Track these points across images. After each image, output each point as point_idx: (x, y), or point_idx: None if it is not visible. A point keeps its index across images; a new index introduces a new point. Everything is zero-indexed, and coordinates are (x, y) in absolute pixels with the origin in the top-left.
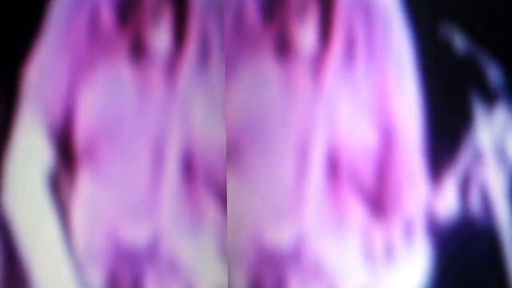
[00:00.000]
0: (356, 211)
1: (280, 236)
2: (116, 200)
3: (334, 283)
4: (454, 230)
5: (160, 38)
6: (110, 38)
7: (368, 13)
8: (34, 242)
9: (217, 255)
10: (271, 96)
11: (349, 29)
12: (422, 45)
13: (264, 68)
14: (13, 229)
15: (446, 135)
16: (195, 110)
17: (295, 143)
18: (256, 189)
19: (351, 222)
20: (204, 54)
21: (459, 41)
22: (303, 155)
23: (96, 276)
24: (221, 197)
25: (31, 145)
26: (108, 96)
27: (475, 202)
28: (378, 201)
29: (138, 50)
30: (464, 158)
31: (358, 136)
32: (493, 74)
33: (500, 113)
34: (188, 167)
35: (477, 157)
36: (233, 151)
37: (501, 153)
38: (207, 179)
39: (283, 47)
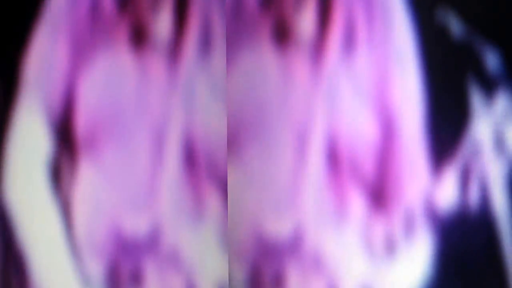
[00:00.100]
0: (356, 202)
1: (280, 228)
2: (116, 190)
3: (333, 275)
4: (455, 222)
5: (161, 24)
6: (110, 24)
7: None
8: (34, 232)
9: (218, 246)
10: (270, 84)
11: (349, 15)
12: (423, 32)
13: (263, 55)
14: (13, 219)
15: (446, 124)
16: (196, 98)
17: (295, 133)
18: (256, 179)
19: (351, 214)
20: (205, 40)
21: (458, 28)
22: (302, 145)
23: (96, 267)
24: (222, 187)
25: (31, 134)
26: (108, 84)
27: (475, 194)
28: (379, 192)
29: (138, 37)
30: (464, 148)
31: (358, 125)
32: (493, 62)
33: (500, 101)
34: (190, 156)
35: (477, 147)
36: (234, 140)
37: (500, 143)
38: (208, 168)
39: (282, 34)
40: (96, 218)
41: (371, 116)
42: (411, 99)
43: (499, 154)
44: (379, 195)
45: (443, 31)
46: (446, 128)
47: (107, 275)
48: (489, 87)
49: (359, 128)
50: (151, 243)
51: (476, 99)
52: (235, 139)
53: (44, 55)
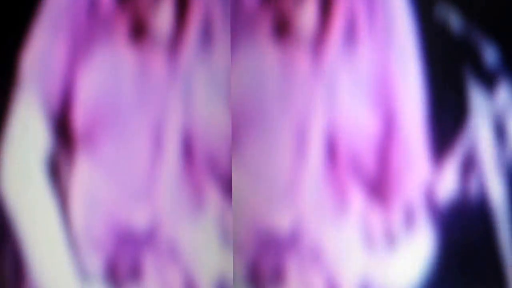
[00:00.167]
0: (355, 196)
1: (280, 222)
2: (115, 185)
3: (333, 269)
4: (455, 214)
5: (161, 18)
6: (109, 18)
7: None
8: (32, 226)
9: (218, 240)
10: (271, 78)
11: (350, 10)
12: (423, 26)
13: (264, 50)
14: (11, 214)
15: (446, 117)
16: (196, 93)
17: (295, 127)
18: (257, 173)
19: (350, 208)
20: (206, 35)
21: (457, 22)
22: (303, 139)
23: (95, 261)
24: (225, 182)
25: (29, 129)
26: (107, 78)
27: (475, 185)
28: (378, 185)
29: (138, 31)
30: (464, 140)
31: (358, 119)
32: (492, 56)
33: (499, 93)
34: (189, 150)
35: (477, 139)
36: (236, 134)
37: (500, 134)
38: (209, 163)
39: (283, 29)
40: (95, 212)
41: (371, 110)
42: (412, 92)
43: (499, 146)
44: (379, 188)
45: (443, 25)
46: (446, 121)
47: (106, 269)
48: (488, 80)
49: (359, 122)
50: (150, 237)
51: (475, 92)
52: (237, 134)
53: (43, 50)
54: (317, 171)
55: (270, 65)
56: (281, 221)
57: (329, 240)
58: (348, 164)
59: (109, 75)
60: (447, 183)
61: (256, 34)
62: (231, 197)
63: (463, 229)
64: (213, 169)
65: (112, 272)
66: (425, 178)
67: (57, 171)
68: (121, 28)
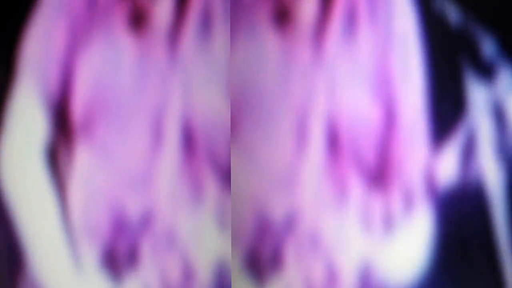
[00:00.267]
0: (355, 181)
1: (279, 208)
2: (113, 173)
3: (332, 255)
4: (454, 199)
5: (161, 6)
6: (109, 6)
7: None
8: (30, 215)
9: (216, 227)
10: (271, 67)
11: None
12: (423, 15)
13: (264, 39)
14: (9, 203)
15: (446, 104)
16: (196, 82)
17: (296, 115)
18: (257, 161)
19: (350, 193)
20: (206, 24)
21: (456, 13)
22: (303, 127)
23: (93, 248)
24: (224, 170)
25: (28, 117)
26: (106, 67)
27: (474, 170)
28: (378, 170)
29: (138, 19)
30: (463, 126)
31: (358, 106)
32: (489, 43)
33: (498, 80)
34: (188, 140)
35: (476, 125)
36: (236, 123)
37: (500, 121)
38: (208, 151)
39: (283, 17)
40: (93, 200)
41: (371, 98)
42: (411, 80)
43: (498, 132)
44: (379, 174)
45: (443, 15)
46: (446, 108)
47: (104, 257)
48: (487, 67)
49: (360, 110)
50: (149, 225)
51: (474, 80)
52: (237, 122)
53: (42, 39)
54: (317, 158)
55: (270, 54)
56: (280, 207)
57: (328, 225)
58: (348, 151)
59: (109, 64)
60: (447, 169)
61: (256, 23)
62: (230, 184)
63: (462, 214)
64: (212, 157)
65: (111, 260)
66: (424, 164)
67: (56, 160)
68: (121, 17)
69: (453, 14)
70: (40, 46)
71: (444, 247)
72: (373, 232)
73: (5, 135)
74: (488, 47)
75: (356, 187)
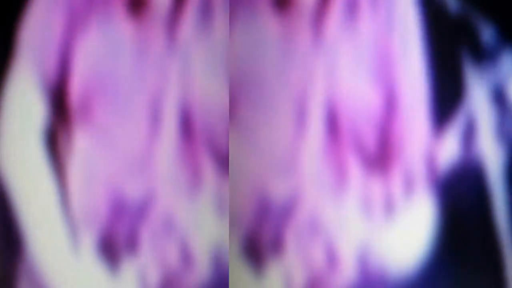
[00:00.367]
0: (355, 164)
1: (279, 192)
2: (112, 156)
3: (332, 239)
4: (455, 181)
5: None
6: None
7: None
8: (29, 198)
9: (215, 211)
10: (271, 51)
11: None
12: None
13: (264, 23)
14: (7, 186)
15: (447, 88)
16: (195, 66)
17: (295, 99)
18: (256, 145)
19: (350, 177)
20: (205, 7)
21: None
22: (302, 111)
23: (91, 232)
24: (222, 155)
25: (27, 101)
26: (105, 50)
27: (475, 153)
28: (378, 154)
29: (137, 3)
30: (464, 109)
31: (358, 90)
32: (488, 28)
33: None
34: (187, 124)
35: (477, 108)
36: (235, 107)
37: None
38: (207, 136)
39: (283, 1)
40: (91, 184)
41: (372, 81)
42: (412, 64)
43: (498, 115)
44: (379, 156)
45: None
46: (446, 91)
47: (102, 241)
48: (485, 51)
49: (360, 93)
50: (147, 209)
51: (474, 64)
52: (236, 107)
53: (40, 22)
54: (317, 142)
55: (269, 38)
56: (279, 192)
57: (328, 209)
58: (348, 135)
59: (107, 48)
60: (447, 153)
61: (256, 7)
62: (228, 169)
63: (462, 198)
64: (211, 142)
65: (109, 244)
66: (425, 148)
67: (54, 143)
68: (120, 1)
69: (453, 0)
70: (38, 30)
71: (444, 230)
72: (373, 215)
73: (4, 119)
74: (487, 32)
75: (356, 170)
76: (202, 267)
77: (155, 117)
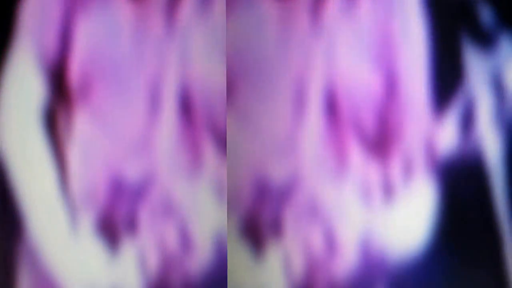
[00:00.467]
0: (354, 149)
1: (278, 175)
2: (111, 137)
3: (331, 222)
4: (455, 167)
5: None
6: None
7: None
8: (28, 180)
9: (214, 194)
10: (270, 35)
11: None
12: None
13: (263, 6)
14: (6, 168)
15: (447, 72)
16: (194, 49)
17: (294, 83)
18: (255, 129)
19: (350, 161)
20: None
21: None
22: (302, 95)
23: (91, 213)
24: (221, 137)
25: (26, 82)
26: (104, 32)
27: (474, 138)
28: (378, 139)
29: None
30: (464, 95)
31: (358, 74)
32: (488, 12)
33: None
34: (186, 106)
35: (476, 94)
36: (233, 90)
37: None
38: (206, 119)
39: None
40: (91, 165)
41: (371, 65)
42: (412, 48)
43: (498, 101)
44: (379, 141)
45: None
46: (446, 75)
47: (101, 223)
48: (486, 36)
49: (359, 77)
50: (146, 191)
51: (474, 49)
52: (235, 90)
53: (40, 2)
54: (316, 126)
55: (268, 22)
56: (278, 175)
57: (327, 193)
58: (347, 119)
59: (107, 30)
60: (447, 138)
61: None
62: (226, 152)
63: (461, 183)
64: (210, 124)
65: (108, 225)
66: (424, 133)
67: (54, 124)
68: None
69: None
70: (38, 11)
71: (444, 215)
72: (373, 200)
73: (3, 100)
74: (487, 16)
75: (355, 155)
76: (201, 249)
77: (154, 100)
